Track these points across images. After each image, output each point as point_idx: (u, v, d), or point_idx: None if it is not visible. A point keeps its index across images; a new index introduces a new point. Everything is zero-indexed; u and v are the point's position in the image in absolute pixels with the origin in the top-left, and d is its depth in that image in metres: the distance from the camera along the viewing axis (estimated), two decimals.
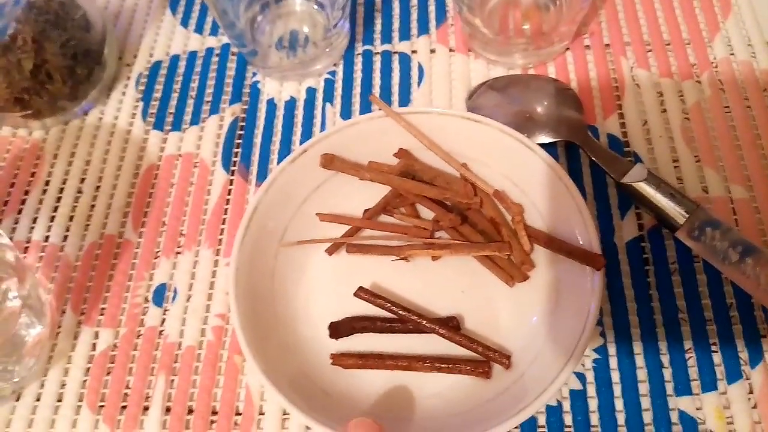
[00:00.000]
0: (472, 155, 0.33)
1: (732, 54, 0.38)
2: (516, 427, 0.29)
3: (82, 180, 0.38)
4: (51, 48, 0.37)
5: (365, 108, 0.38)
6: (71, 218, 0.37)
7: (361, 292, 0.31)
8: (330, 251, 0.33)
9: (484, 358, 0.29)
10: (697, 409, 0.29)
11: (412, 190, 0.32)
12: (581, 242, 0.29)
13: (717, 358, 0.30)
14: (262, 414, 0.30)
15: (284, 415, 0.30)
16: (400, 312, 0.30)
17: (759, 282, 0.29)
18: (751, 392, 0.29)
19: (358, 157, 0.33)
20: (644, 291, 0.31)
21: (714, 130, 0.35)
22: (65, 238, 0.36)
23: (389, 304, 0.30)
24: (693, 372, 0.29)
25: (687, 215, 0.30)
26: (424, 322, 0.30)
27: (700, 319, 0.30)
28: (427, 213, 0.33)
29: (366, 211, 0.33)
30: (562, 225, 0.30)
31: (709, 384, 0.29)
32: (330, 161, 0.33)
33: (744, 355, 0.30)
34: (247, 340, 0.28)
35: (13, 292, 0.31)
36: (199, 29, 0.42)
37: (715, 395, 0.29)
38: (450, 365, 0.29)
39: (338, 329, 0.31)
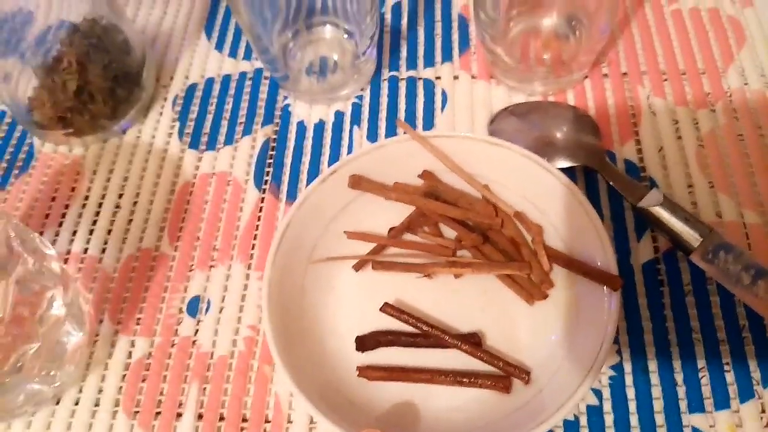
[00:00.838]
0: (493, 177, 0.35)
1: (746, 84, 0.39)
2: None
3: (120, 195, 0.40)
4: (94, 70, 0.39)
5: (391, 131, 0.40)
6: (109, 232, 0.39)
7: (387, 308, 0.32)
8: (357, 268, 0.34)
9: (504, 374, 0.30)
10: (710, 426, 0.30)
11: (436, 210, 0.34)
12: (599, 263, 0.31)
13: (730, 377, 0.31)
14: (290, 422, 0.32)
15: (311, 423, 0.32)
16: (424, 327, 0.31)
17: None
18: (763, 411, 0.30)
19: (384, 178, 0.35)
20: (659, 311, 0.32)
21: (728, 156, 0.37)
22: (103, 250, 0.38)
23: (414, 320, 0.32)
24: (706, 390, 0.30)
25: (701, 239, 0.31)
26: (447, 337, 0.31)
27: (714, 339, 0.32)
28: (449, 232, 0.35)
29: (391, 229, 0.35)
30: (581, 246, 0.32)
31: (721, 402, 0.30)
32: (357, 182, 0.34)
33: (756, 375, 0.31)
34: (279, 351, 0.29)
35: (58, 301, 0.32)
36: (233, 53, 0.45)
37: (727, 413, 0.30)
38: (471, 379, 0.30)
39: (364, 342, 0.32)
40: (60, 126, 0.41)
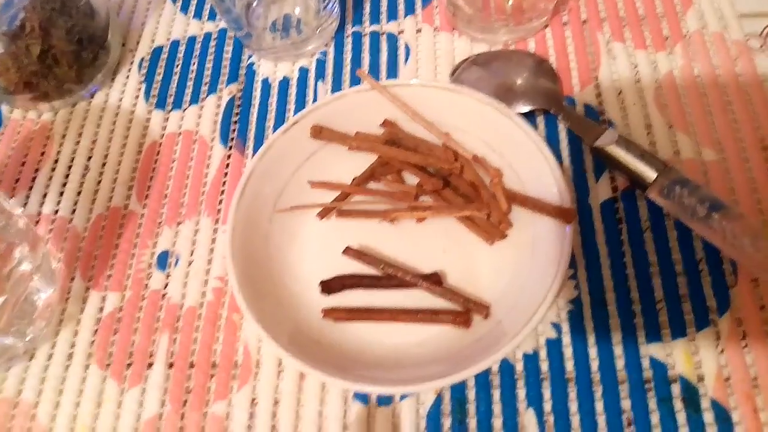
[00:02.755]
0: (454, 125, 0.35)
1: (704, 27, 0.39)
2: (495, 374, 0.31)
3: (89, 158, 0.40)
4: (57, 34, 0.39)
5: (355, 83, 0.40)
6: (79, 193, 0.39)
7: (350, 251, 0.33)
8: (321, 216, 0.35)
9: (464, 309, 0.31)
10: (667, 355, 0.30)
11: (397, 157, 0.34)
12: (555, 200, 0.31)
13: (686, 307, 0.31)
14: (258, 367, 0.32)
15: (280, 366, 0.32)
16: (386, 268, 0.32)
17: (725, 235, 0.30)
18: (718, 338, 0.31)
19: (347, 128, 0.35)
20: (617, 247, 0.33)
21: (686, 96, 0.37)
22: (73, 211, 0.38)
23: (375, 261, 0.32)
24: (663, 321, 0.31)
25: (656, 174, 0.32)
26: (408, 276, 0.32)
27: (671, 272, 0.32)
28: (411, 179, 0.35)
29: (355, 178, 0.35)
30: (539, 187, 0.32)
31: (678, 331, 0.31)
32: (319, 132, 0.35)
33: (712, 303, 0.31)
34: (245, 298, 0.30)
35: (25, 258, 0.33)
36: (197, 15, 0.45)
37: (684, 342, 0.31)
38: (432, 316, 0.31)
39: (329, 286, 0.33)
40: (26, 91, 0.41)
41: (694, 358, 0.30)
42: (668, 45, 0.39)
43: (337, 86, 0.40)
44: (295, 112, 0.40)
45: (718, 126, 0.36)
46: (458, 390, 0.31)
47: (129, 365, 0.33)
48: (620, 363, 0.30)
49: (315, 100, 0.40)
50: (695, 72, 0.38)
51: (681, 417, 0.29)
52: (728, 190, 0.34)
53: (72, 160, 0.40)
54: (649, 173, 0.32)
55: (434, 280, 0.32)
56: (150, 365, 0.33)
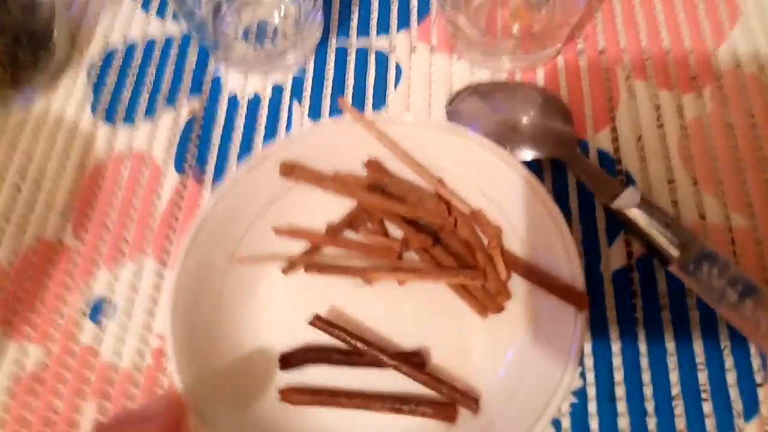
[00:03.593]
0: (448, 170, 0.30)
1: (738, 66, 0.34)
2: None
3: (22, 177, 0.34)
4: None
5: (336, 109, 0.35)
6: (8, 219, 0.33)
7: (317, 321, 0.27)
8: (286, 270, 0.29)
9: (449, 400, 0.26)
10: None
11: (380, 206, 0.29)
12: (564, 273, 0.26)
13: (707, 407, 0.27)
14: None
15: None
16: (359, 345, 0.27)
17: (759, 326, 0.26)
18: None
19: (324, 165, 0.30)
20: (630, 328, 0.28)
21: (715, 149, 0.32)
22: None
23: (347, 335, 0.27)
24: (680, 422, 0.27)
25: (682, 248, 0.27)
26: (384, 357, 0.27)
27: (691, 364, 0.28)
28: (396, 232, 0.30)
29: (329, 226, 0.30)
30: (544, 253, 0.27)
31: None
32: (290, 170, 0.29)
33: (738, 406, 0.27)
34: (181, 370, 0.25)
35: None
36: (160, 13, 0.39)
37: None
38: (411, 406, 0.26)
39: (289, 360, 0.27)
40: None
41: None
42: (696, 86, 0.34)
43: (315, 109, 0.35)
44: (266, 136, 0.34)
45: (750, 186, 0.31)
46: None
47: None
48: None
49: (289, 123, 0.34)
50: (726, 120, 0.33)
51: None
52: (759, 267, 0.29)
53: (2, 178, 0.34)
54: (674, 246, 0.27)
55: (416, 362, 0.27)
56: None
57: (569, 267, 0.26)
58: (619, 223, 0.30)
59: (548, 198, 0.27)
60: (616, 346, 0.28)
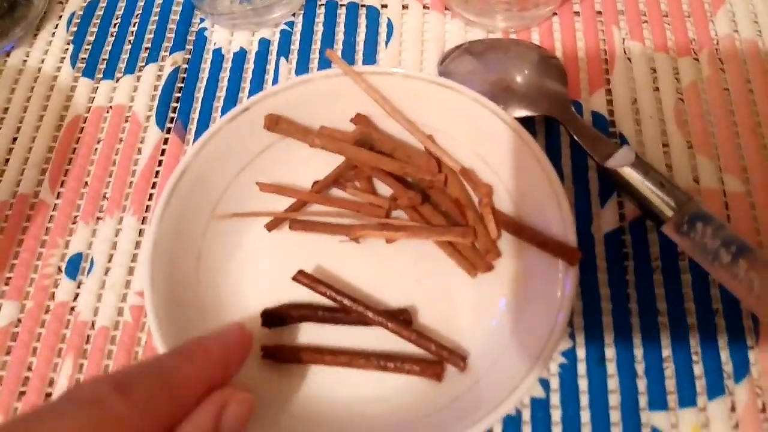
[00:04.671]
0: (439, 126, 0.29)
1: (736, 31, 0.34)
2: None
3: None
4: None
5: (324, 65, 0.34)
6: None
7: (301, 276, 0.27)
8: (270, 227, 0.29)
9: (436, 358, 0.26)
10: (672, 426, 0.26)
11: (369, 162, 0.28)
12: (555, 232, 0.25)
13: (698, 369, 0.26)
14: None
15: None
16: (344, 301, 0.26)
17: (752, 287, 0.25)
18: (733, 410, 0.26)
19: (310, 120, 0.29)
20: (621, 290, 0.28)
21: (710, 114, 0.32)
22: None
23: (332, 292, 0.26)
24: (670, 384, 0.26)
25: (676, 208, 0.26)
26: (370, 314, 0.26)
27: (682, 325, 0.27)
28: (384, 189, 0.29)
29: (315, 183, 0.29)
30: (536, 211, 0.27)
31: (687, 398, 0.26)
32: (275, 123, 0.28)
33: (728, 368, 0.26)
34: (160, 327, 0.24)
35: None
36: None
37: (693, 411, 0.26)
38: (397, 364, 0.25)
39: (272, 317, 0.27)
40: None
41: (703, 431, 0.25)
42: (694, 50, 0.33)
43: (303, 65, 0.34)
44: (251, 92, 0.33)
45: (745, 151, 0.31)
46: None
47: (21, 394, 0.27)
48: None
49: (276, 80, 0.33)
50: (723, 84, 0.32)
51: None
52: (753, 230, 0.29)
53: None
54: (669, 206, 0.27)
55: (403, 320, 0.26)
56: (47, 395, 0.27)
57: (561, 224, 0.25)
58: (612, 185, 0.30)
59: (541, 153, 0.26)
60: (607, 308, 0.28)
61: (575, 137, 0.29)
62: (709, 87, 0.32)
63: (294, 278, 0.27)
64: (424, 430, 0.23)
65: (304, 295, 0.27)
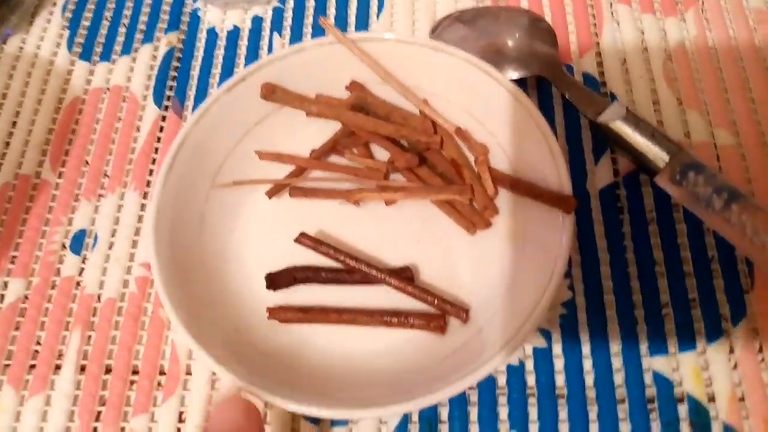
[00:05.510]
0: (432, 90, 0.29)
1: None
2: (473, 388, 0.26)
3: None
4: None
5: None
6: None
7: (304, 238, 0.27)
8: (270, 194, 0.29)
9: (439, 312, 0.26)
10: (673, 369, 0.26)
11: (365, 127, 0.29)
12: (551, 184, 0.26)
13: (696, 314, 0.27)
14: (189, 374, 0.27)
15: (214, 375, 0.27)
16: (347, 260, 0.27)
17: (744, 231, 0.26)
18: (732, 351, 0.26)
19: (305, 88, 0.30)
20: (618, 241, 0.28)
21: (698, 71, 0.32)
22: None
23: (334, 252, 0.27)
24: (669, 329, 0.27)
25: (668, 158, 0.27)
26: (373, 271, 0.26)
27: (679, 273, 0.28)
28: (381, 154, 0.30)
29: (313, 150, 0.30)
30: (530, 167, 0.27)
31: (686, 342, 0.26)
32: (271, 92, 0.29)
33: (725, 311, 0.27)
34: (169, 295, 0.24)
35: None
36: None
37: (693, 355, 0.26)
38: (401, 319, 0.26)
39: (276, 280, 0.27)
40: None
41: (704, 374, 0.26)
42: (680, 10, 0.34)
43: (296, 40, 0.34)
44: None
45: (734, 105, 0.31)
46: (428, 408, 0.26)
47: (31, 368, 0.27)
48: (619, 378, 0.26)
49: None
50: (710, 43, 0.33)
51: None
52: (744, 180, 0.30)
53: None
54: (661, 156, 0.27)
55: (405, 276, 0.27)
56: (57, 368, 0.27)
57: (556, 174, 0.26)
58: (604, 141, 0.30)
59: (532, 106, 0.26)
60: (604, 260, 0.28)
61: (566, 96, 0.29)
62: (696, 46, 0.33)
63: (296, 240, 0.27)
64: (428, 379, 0.24)
65: (307, 258, 0.27)
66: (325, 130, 0.30)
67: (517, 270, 0.26)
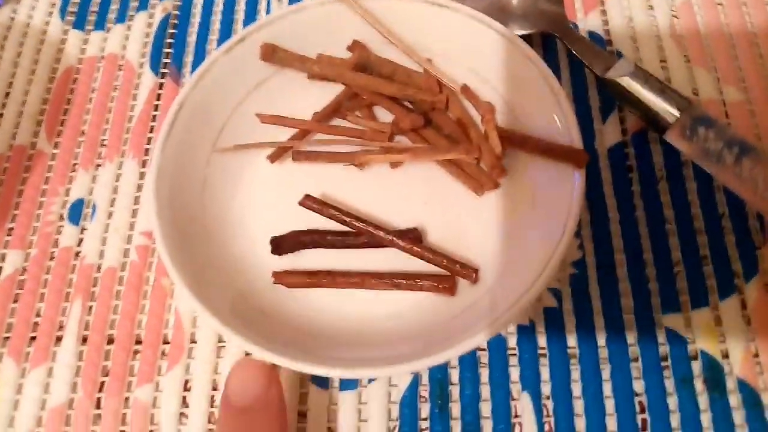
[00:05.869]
0: (435, 48, 0.29)
1: None
2: (484, 350, 0.26)
3: None
4: None
5: None
6: None
7: (308, 201, 0.26)
8: (273, 158, 0.28)
9: (448, 273, 0.26)
10: (687, 327, 0.26)
11: (369, 87, 0.28)
12: (559, 139, 0.25)
13: (708, 271, 0.26)
14: (194, 342, 0.26)
15: (220, 342, 0.26)
16: (354, 222, 0.26)
17: (756, 185, 0.25)
18: (744, 307, 0.26)
19: (306, 50, 0.29)
20: (628, 200, 0.28)
21: (705, 28, 0.32)
22: None
23: (341, 214, 0.26)
24: (682, 287, 0.26)
25: (678, 113, 0.26)
26: (381, 233, 0.26)
27: (690, 230, 0.27)
28: (384, 116, 0.29)
29: (315, 113, 0.29)
30: (539, 124, 0.27)
31: (699, 299, 0.26)
32: (271, 53, 0.28)
33: (737, 267, 0.26)
34: (173, 259, 0.24)
35: None
36: None
37: (705, 312, 0.26)
38: (410, 281, 0.25)
39: (281, 244, 0.26)
40: None
41: (717, 330, 0.26)
42: None
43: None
44: None
45: (742, 62, 0.31)
46: (439, 369, 0.25)
47: (32, 339, 0.27)
48: (632, 336, 0.26)
49: None
50: (715, 0, 0.32)
51: (703, 400, 0.24)
52: (754, 136, 0.29)
53: None
54: (671, 111, 0.27)
55: (413, 237, 0.26)
56: (58, 339, 0.27)
57: (566, 132, 0.25)
58: (612, 99, 0.30)
59: (538, 59, 0.26)
60: (614, 218, 0.28)
61: (574, 51, 0.29)
62: (702, 2, 0.32)
63: (301, 203, 0.26)
64: (437, 339, 0.23)
65: (312, 221, 0.27)
66: (326, 93, 0.29)
67: (526, 229, 0.26)
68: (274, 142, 0.28)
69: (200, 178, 0.27)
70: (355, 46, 0.29)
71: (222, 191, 0.27)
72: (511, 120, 0.28)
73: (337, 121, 0.29)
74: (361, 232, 0.26)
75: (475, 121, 0.28)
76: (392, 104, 0.28)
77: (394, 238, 0.26)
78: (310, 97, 0.29)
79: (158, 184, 0.25)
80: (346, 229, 0.27)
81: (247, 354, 0.25)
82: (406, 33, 0.29)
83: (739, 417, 0.24)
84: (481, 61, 0.28)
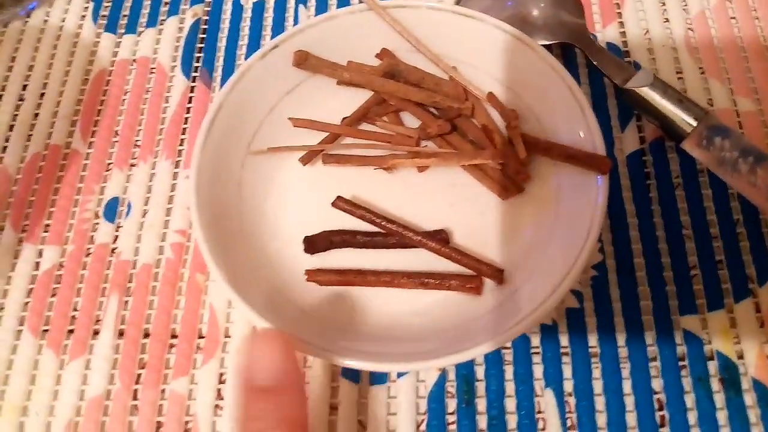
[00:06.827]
0: (462, 58, 0.30)
1: None
2: (508, 348, 0.27)
3: (24, 86, 0.34)
4: None
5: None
6: (11, 128, 0.32)
7: (341, 202, 0.27)
8: (304, 161, 0.29)
9: (474, 273, 0.27)
10: (703, 328, 0.27)
11: (397, 93, 0.29)
12: (583, 146, 0.26)
13: (723, 275, 0.28)
14: (228, 336, 0.27)
15: None
16: (384, 223, 0.27)
17: None
18: (758, 311, 0.27)
19: (336, 57, 0.30)
20: (646, 206, 0.29)
21: (719, 41, 0.33)
22: (4, 148, 0.32)
23: (371, 215, 0.27)
24: (698, 290, 0.27)
25: (695, 123, 0.28)
26: (410, 233, 0.27)
27: (706, 235, 0.28)
28: (412, 122, 0.30)
29: (345, 118, 0.30)
30: (562, 130, 0.28)
31: (715, 302, 0.27)
32: (303, 59, 0.29)
33: (752, 272, 0.28)
34: (212, 254, 0.24)
35: None
36: None
37: (721, 314, 0.27)
38: (437, 281, 0.26)
39: (314, 244, 0.27)
40: None
41: (732, 332, 0.27)
42: None
43: (322, 11, 0.34)
44: (273, 38, 0.34)
45: (755, 73, 0.32)
46: (465, 366, 0.26)
47: (70, 332, 0.28)
48: (650, 336, 0.27)
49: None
50: (729, 13, 0.33)
51: (719, 399, 0.25)
52: (766, 146, 0.30)
53: (3, 88, 0.34)
54: (688, 121, 0.28)
55: (440, 239, 0.27)
56: (96, 333, 0.28)
57: (589, 137, 0.26)
58: (630, 108, 0.31)
59: (561, 68, 0.27)
60: (633, 224, 0.29)
61: (595, 62, 0.30)
62: (716, 16, 0.33)
63: (333, 204, 0.27)
64: (463, 337, 0.24)
65: (343, 222, 0.28)
66: (355, 98, 0.30)
67: (550, 233, 0.27)
68: (305, 145, 0.29)
69: (236, 179, 0.28)
70: (384, 53, 0.30)
71: (256, 192, 0.28)
72: (536, 128, 0.29)
73: (365, 126, 0.30)
74: (391, 233, 0.27)
75: (500, 128, 0.29)
76: (419, 110, 0.29)
77: (424, 239, 0.27)
78: (339, 103, 0.30)
79: (198, 184, 0.26)
80: (376, 229, 0.28)
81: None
82: (433, 42, 0.30)
83: (754, 415, 0.25)
84: (506, 70, 0.29)
